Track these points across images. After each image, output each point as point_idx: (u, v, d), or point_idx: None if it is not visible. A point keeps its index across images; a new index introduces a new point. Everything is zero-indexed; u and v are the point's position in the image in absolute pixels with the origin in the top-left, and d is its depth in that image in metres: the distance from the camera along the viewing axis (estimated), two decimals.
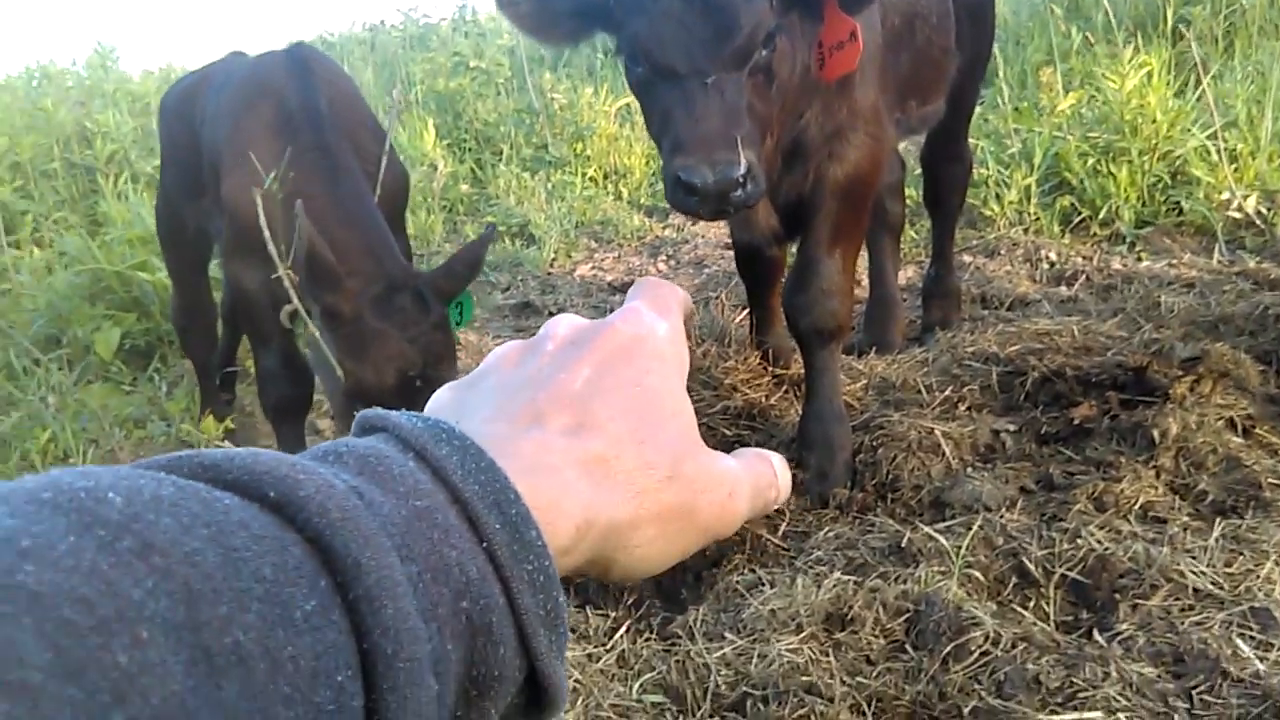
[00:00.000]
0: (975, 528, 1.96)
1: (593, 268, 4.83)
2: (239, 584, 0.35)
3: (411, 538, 0.41)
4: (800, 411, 2.45)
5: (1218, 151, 3.89)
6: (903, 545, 1.98)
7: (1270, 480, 2.03)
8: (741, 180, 1.72)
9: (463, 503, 0.44)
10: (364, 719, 0.38)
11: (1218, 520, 1.91)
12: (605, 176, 6.04)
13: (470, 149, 6.72)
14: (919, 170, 3.42)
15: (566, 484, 0.49)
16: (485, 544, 0.44)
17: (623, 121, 6.26)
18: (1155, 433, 2.14)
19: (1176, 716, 1.46)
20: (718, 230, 4.79)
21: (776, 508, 0.63)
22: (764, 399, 2.68)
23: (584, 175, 5.97)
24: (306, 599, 0.37)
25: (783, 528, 2.21)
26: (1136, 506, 1.98)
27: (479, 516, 0.44)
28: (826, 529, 2.15)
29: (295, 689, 0.35)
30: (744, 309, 2.97)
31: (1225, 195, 3.79)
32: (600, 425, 0.52)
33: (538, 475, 0.48)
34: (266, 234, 2.29)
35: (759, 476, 0.60)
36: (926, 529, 2.01)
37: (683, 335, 0.61)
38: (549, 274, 4.85)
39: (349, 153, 2.59)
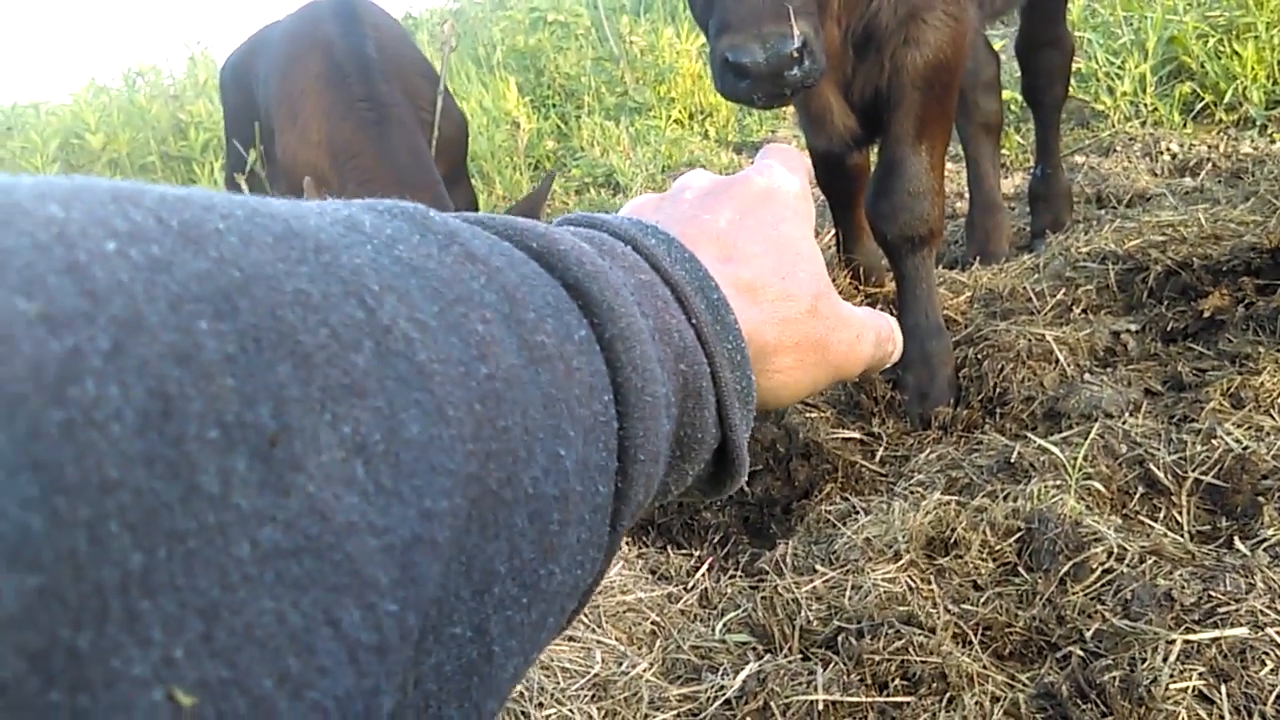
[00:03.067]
0: (1094, 436, 1.76)
1: None
2: (536, 300, 0.38)
3: (643, 299, 0.45)
4: None
5: None
6: (1012, 460, 1.79)
7: None
8: (796, 55, 1.54)
9: (672, 284, 0.48)
10: (617, 440, 0.41)
11: None
12: (690, 117, 5.85)
13: (554, 104, 6.61)
14: (1020, 74, 3.14)
15: (729, 299, 0.51)
16: (693, 320, 0.47)
17: (706, 60, 6.04)
18: None
19: None
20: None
21: (889, 364, 0.66)
22: None
23: (668, 118, 5.79)
24: (579, 328, 0.40)
25: (879, 453, 2.05)
26: None
27: (687, 297, 0.47)
28: (928, 451, 1.97)
29: (581, 392, 0.38)
30: (830, 228, 2.78)
31: None
32: (746, 258, 0.55)
33: None
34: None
35: (880, 328, 0.63)
36: (1039, 441, 1.81)
37: (809, 193, 0.63)
38: None
39: (402, 103, 2.49)
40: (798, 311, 0.56)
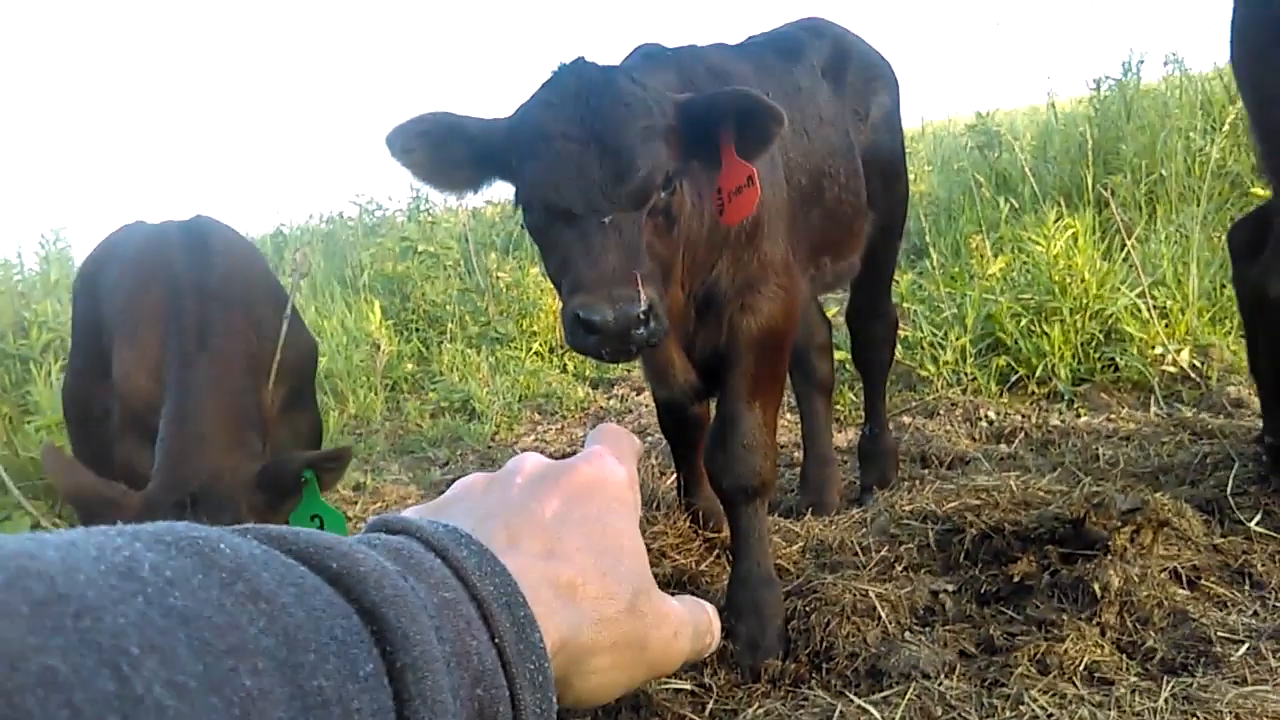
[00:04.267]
0: (911, 696, 1.81)
1: (535, 440, 4.72)
2: (320, 638, 0.38)
3: (443, 622, 0.44)
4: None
5: (1148, 308, 3.92)
6: None
7: (1220, 634, 1.90)
8: (642, 317, 1.65)
9: (480, 601, 0.47)
10: None
11: (1167, 679, 1.77)
12: (551, 351, 6.02)
13: (417, 328, 6.71)
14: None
15: (546, 602, 0.52)
16: (497, 640, 0.47)
17: None
18: (1097, 587, 2.02)
19: None
20: None
21: (708, 655, 0.68)
22: (694, 564, 2.54)
23: (529, 350, 5.95)
24: (366, 662, 0.39)
25: (709, 705, 2.04)
26: (1081, 667, 1.84)
27: (493, 615, 0.47)
28: (756, 705, 1.98)
29: None
30: (673, 472, 2.86)
31: (1158, 350, 3.80)
32: (569, 554, 0.55)
33: (524, 592, 0.51)
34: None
35: (699, 621, 0.64)
36: (859, 701, 1.85)
37: (636, 481, 0.65)
38: (490, 447, 4.75)
39: (237, 340, 2.42)
40: (617, 610, 0.56)
